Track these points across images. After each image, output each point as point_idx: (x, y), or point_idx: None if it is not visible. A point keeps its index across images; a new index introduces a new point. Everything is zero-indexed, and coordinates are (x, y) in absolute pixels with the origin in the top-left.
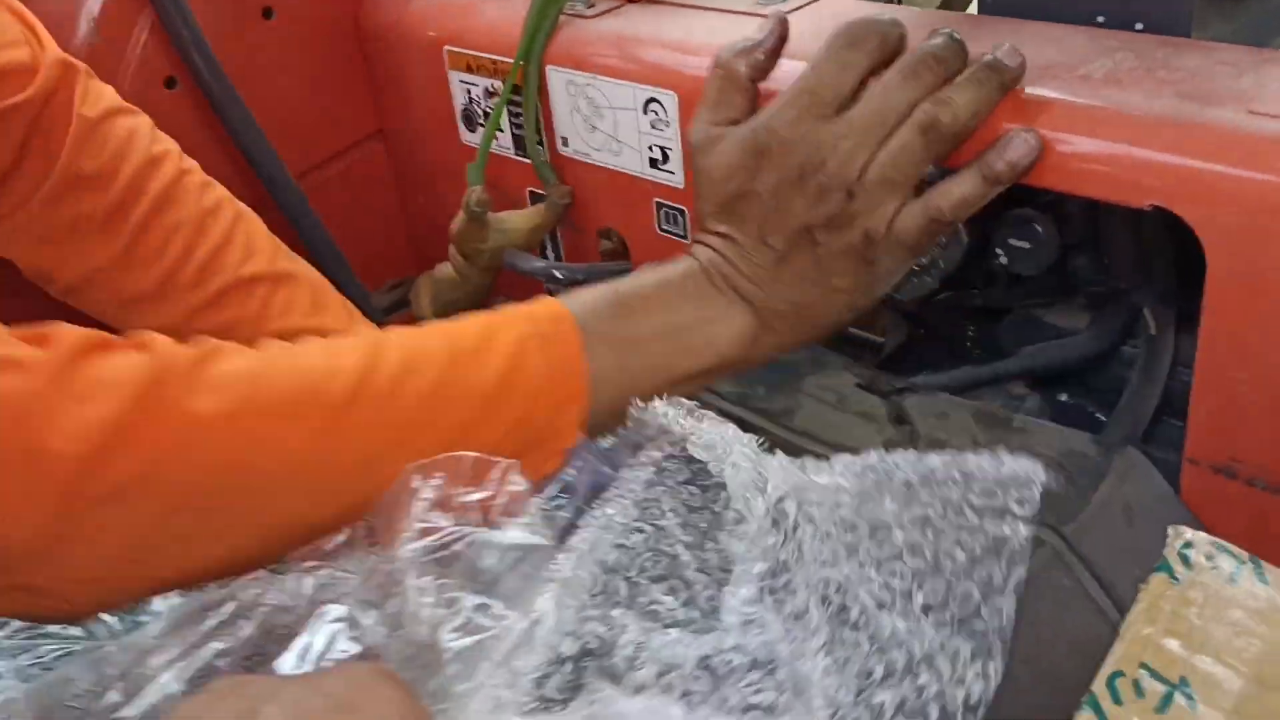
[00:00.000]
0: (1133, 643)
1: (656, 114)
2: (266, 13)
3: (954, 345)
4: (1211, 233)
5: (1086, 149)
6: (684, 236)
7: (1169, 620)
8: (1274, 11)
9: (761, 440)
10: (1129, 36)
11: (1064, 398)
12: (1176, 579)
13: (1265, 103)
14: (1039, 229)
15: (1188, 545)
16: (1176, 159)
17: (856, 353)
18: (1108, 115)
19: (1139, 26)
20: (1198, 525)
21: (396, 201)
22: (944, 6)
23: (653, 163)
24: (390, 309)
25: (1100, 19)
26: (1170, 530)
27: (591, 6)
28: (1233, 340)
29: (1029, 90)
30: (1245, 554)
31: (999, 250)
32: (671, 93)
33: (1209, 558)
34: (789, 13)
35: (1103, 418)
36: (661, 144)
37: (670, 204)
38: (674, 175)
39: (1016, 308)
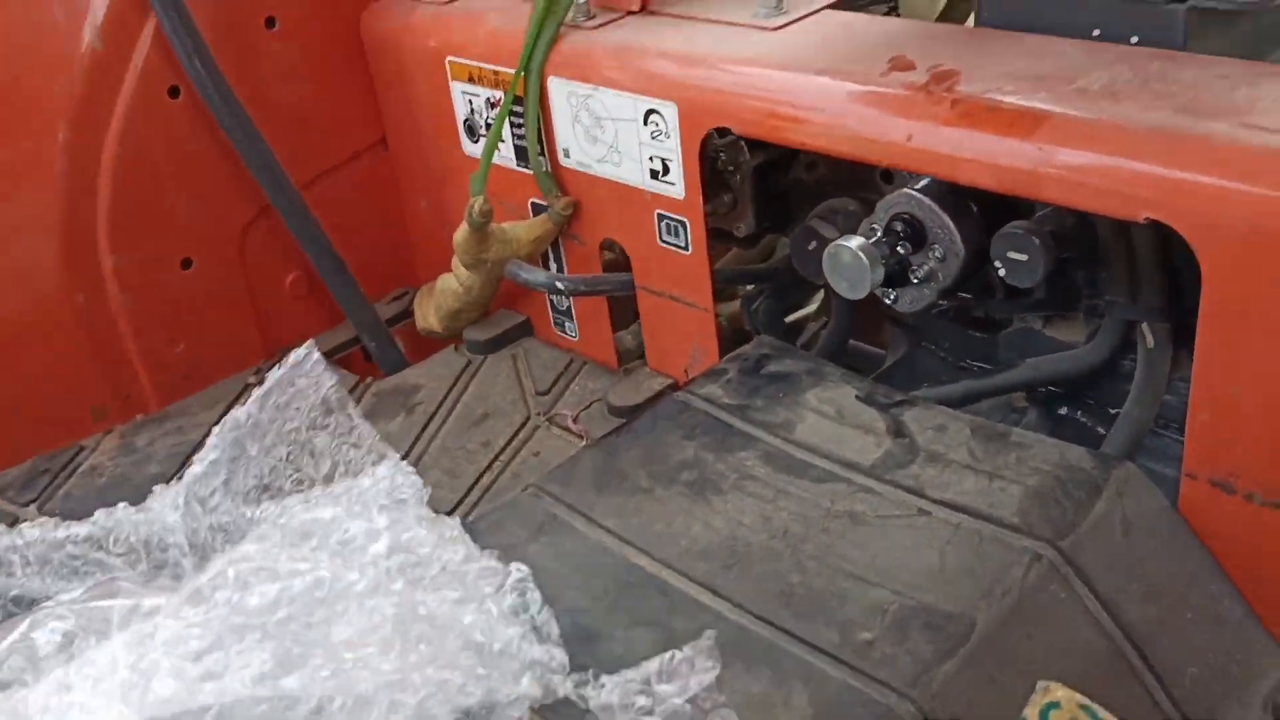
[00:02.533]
0: None
1: (657, 125)
2: (269, 22)
3: (954, 357)
4: (1207, 246)
5: (1083, 162)
6: (685, 248)
7: None
8: (1269, 25)
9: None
10: (1125, 50)
11: (1063, 411)
12: None
13: (1260, 116)
14: (1035, 242)
15: (1053, 705)
16: (1171, 172)
17: (859, 364)
18: (1104, 128)
19: (1135, 40)
20: (1195, 539)
21: (400, 211)
22: (943, 19)
23: (654, 174)
24: (394, 319)
25: (1096, 32)
26: (1039, 685)
27: (592, 18)
28: (1229, 355)
29: (1027, 103)
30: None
31: (996, 263)
32: (672, 104)
33: None
34: (785, 26)
35: (1102, 431)
36: (662, 155)
37: (672, 215)
38: (674, 187)
39: (1015, 320)
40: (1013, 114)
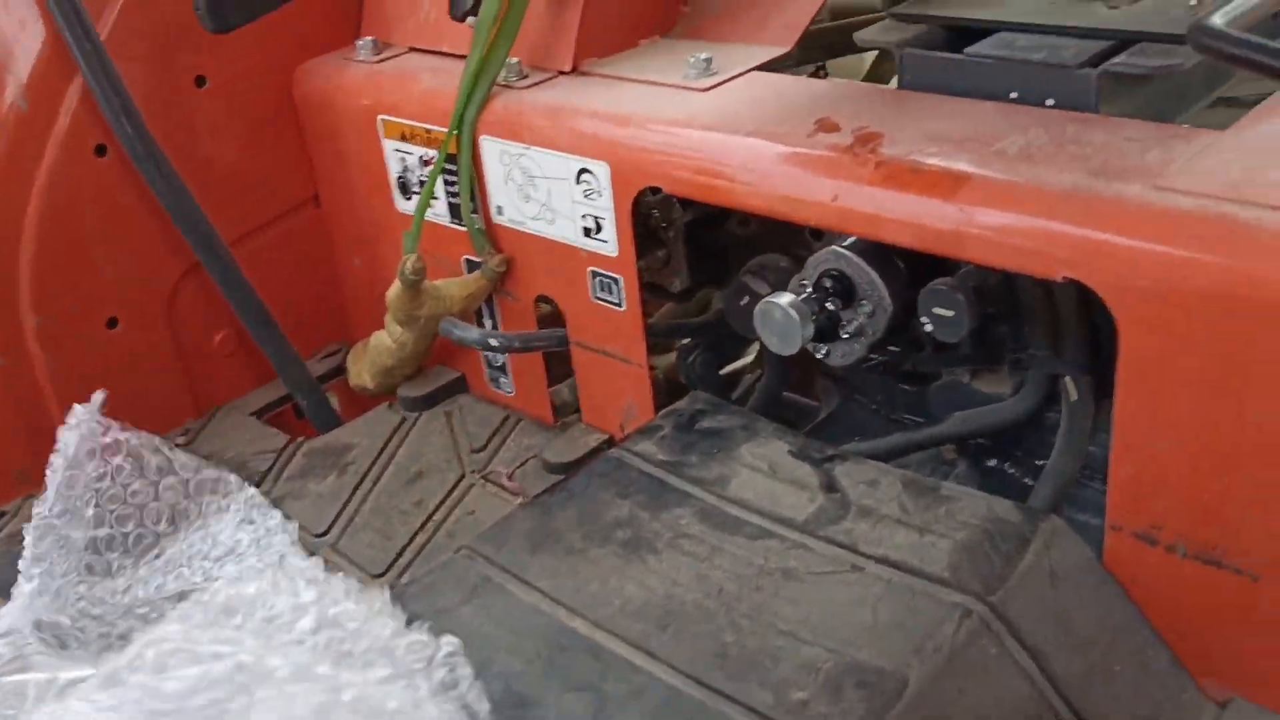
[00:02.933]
0: None
1: (589, 184)
2: (199, 81)
3: (886, 410)
4: (1122, 304)
5: (1002, 223)
6: (619, 305)
7: None
8: (1177, 88)
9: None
10: (1041, 113)
11: (992, 463)
12: None
13: (1170, 178)
14: (959, 298)
15: None
16: (1087, 232)
17: (794, 417)
18: (1022, 190)
19: (1050, 103)
20: (1121, 591)
21: (333, 267)
22: (869, 79)
23: (586, 232)
24: (326, 376)
25: (1014, 95)
26: None
27: (524, 78)
28: (1147, 408)
29: (948, 165)
30: None
31: (923, 318)
32: (604, 164)
33: None
34: (714, 88)
35: (1030, 482)
36: (595, 214)
37: (605, 273)
38: (607, 244)
39: (944, 374)
40: (934, 175)
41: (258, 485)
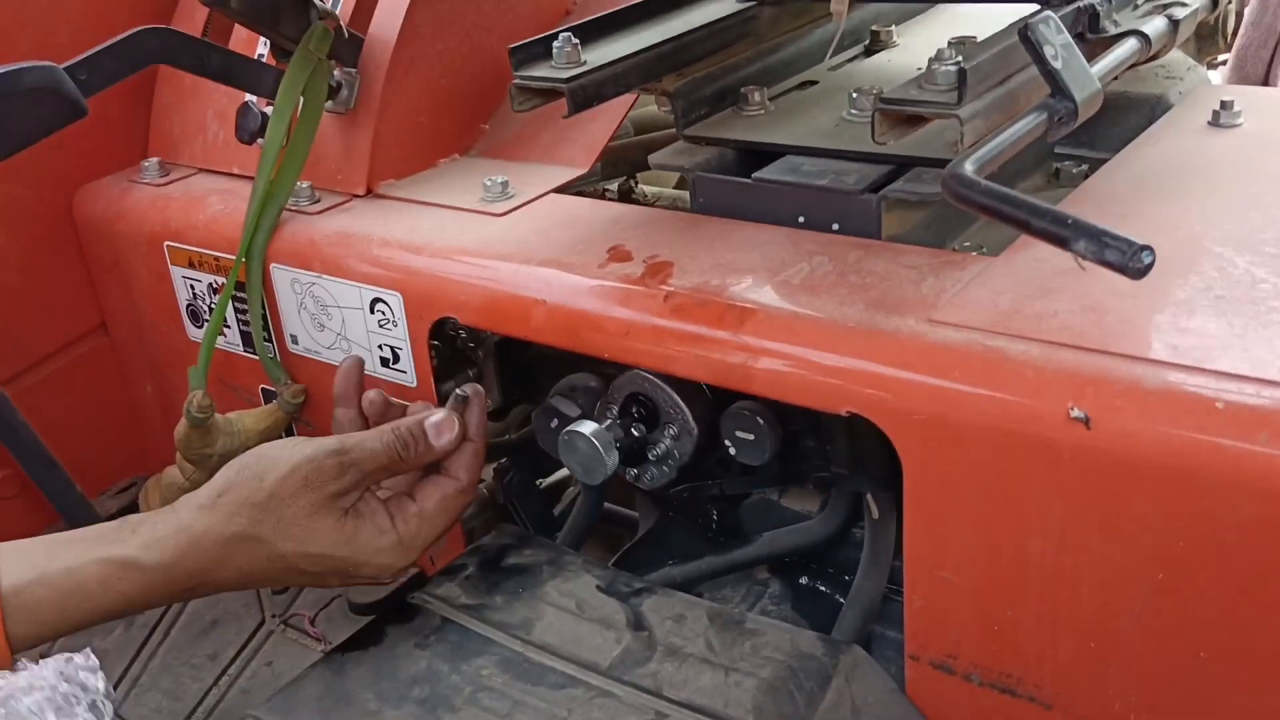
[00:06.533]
0: None
1: (384, 314)
2: None
3: (701, 528)
4: (902, 436)
5: (786, 357)
6: None
7: None
8: (952, 212)
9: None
10: (827, 238)
11: (804, 580)
12: None
13: (943, 310)
14: (761, 421)
15: None
16: (866, 365)
17: (618, 529)
18: (804, 324)
19: (835, 227)
20: None
21: (125, 397)
22: (680, 186)
23: (384, 361)
24: (121, 512)
25: (802, 219)
26: None
27: (316, 202)
28: (933, 539)
29: (735, 296)
30: None
31: (727, 441)
32: (397, 294)
33: None
34: (509, 213)
35: (841, 599)
36: (391, 344)
37: (405, 403)
38: (406, 374)
39: (754, 493)
40: (722, 308)
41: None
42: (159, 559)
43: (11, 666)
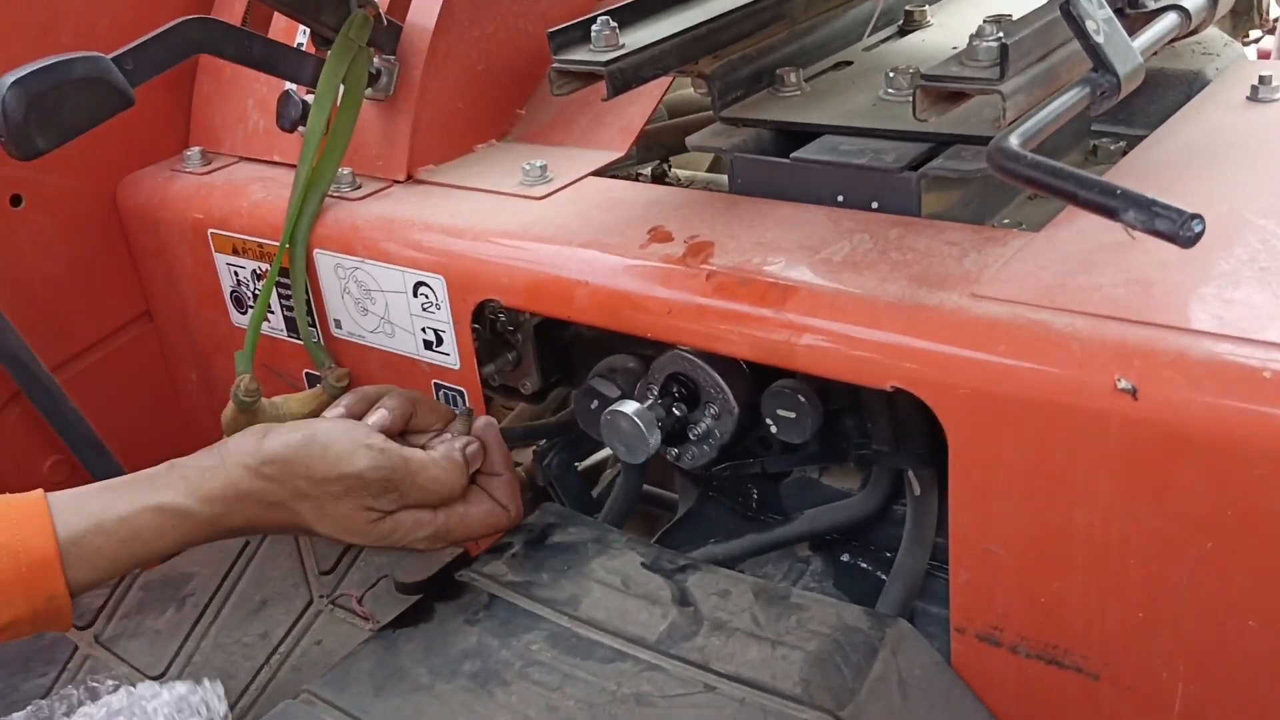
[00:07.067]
0: None
1: (427, 297)
2: (15, 200)
3: (741, 508)
4: (947, 410)
5: (830, 334)
6: None
7: None
8: (992, 189)
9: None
10: (866, 217)
11: (845, 558)
12: None
13: (986, 285)
14: (802, 399)
15: None
16: (910, 341)
17: (656, 511)
18: (847, 300)
19: (875, 206)
20: (970, 693)
21: (169, 384)
22: (712, 170)
23: (427, 345)
24: None
25: (840, 198)
26: None
27: (358, 188)
28: (979, 512)
29: (777, 275)
30: None
31: (768, 420)
32: (440, 277)
33: None
34: (549, 195)
35: (883, 576)
36: (434, 326)
37: (448, 385)
38: (449, 357)
39: (795, 471)
40: (764, 287)
41: (90, 625)
42: (210, 511)
43: (72, 609)
